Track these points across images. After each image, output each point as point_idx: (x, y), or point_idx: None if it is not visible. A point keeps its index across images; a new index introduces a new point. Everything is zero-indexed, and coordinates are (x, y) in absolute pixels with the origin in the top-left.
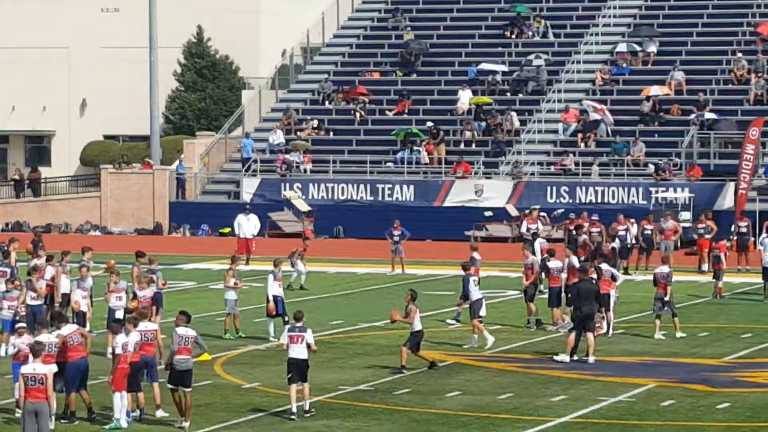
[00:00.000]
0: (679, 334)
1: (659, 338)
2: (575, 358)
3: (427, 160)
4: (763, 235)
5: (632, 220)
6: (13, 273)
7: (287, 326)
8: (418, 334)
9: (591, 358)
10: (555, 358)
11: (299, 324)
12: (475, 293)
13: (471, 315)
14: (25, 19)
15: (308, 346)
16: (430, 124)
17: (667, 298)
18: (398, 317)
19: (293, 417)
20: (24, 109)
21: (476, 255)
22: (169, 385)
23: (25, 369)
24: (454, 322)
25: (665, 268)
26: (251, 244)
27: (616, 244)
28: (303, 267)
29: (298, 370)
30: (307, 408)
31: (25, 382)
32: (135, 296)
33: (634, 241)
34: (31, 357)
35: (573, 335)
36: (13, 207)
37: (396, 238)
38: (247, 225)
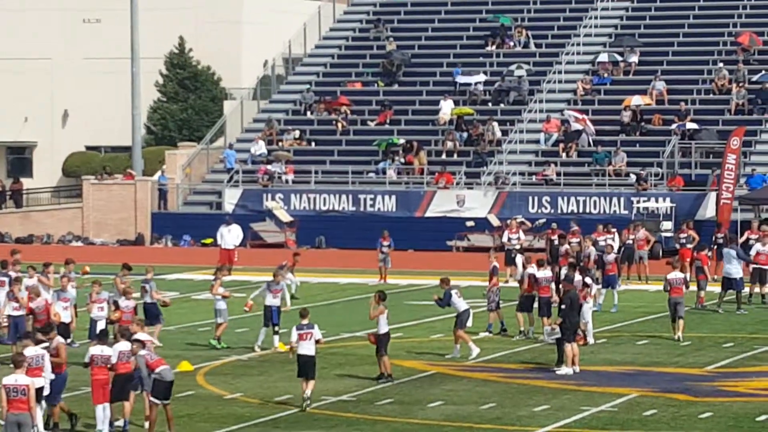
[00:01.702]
0: (679, 334)
1: (678, 337)
2: (576, 369)
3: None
4: (731, 246)
5: (614, 230)
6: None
7: (295, 325)
8: (384, 337)
9: (576, 367)
10: (558, 372)
11: (306, 321)
12: (461, 304)
13: (457, 326)
14: (6, 29)
15: (317, 341)
16: (402, 141)
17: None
18: (372, 338)
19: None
20: (5, 120)
21: (497, 264)
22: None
23: (6, 380)
24: (487, 333)
25: (679, 273)
26: (233, 254)
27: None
28: (294, 278)
29: (309, 367)
30: (308, 395)
31: (7, 394)
32: (117, 306)
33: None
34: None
35: (570, 346)
36: None
37: (384, 249)
38: (229, 236)
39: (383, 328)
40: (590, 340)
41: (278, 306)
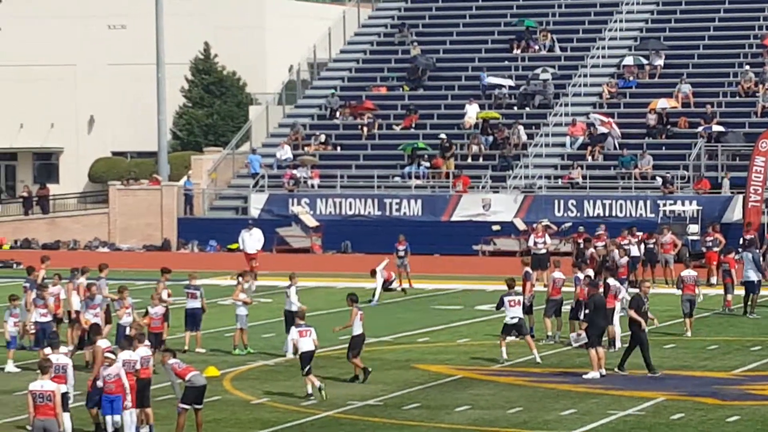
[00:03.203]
0: (688, 334)
1: (689, 335)
2: (602, 372)
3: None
4: (749, 250)
5: (638, 234)
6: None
7: (294, 325)
8: (358, 339)
9: (603, 371)
10: (584, 377)
11: (303, 322)
12: (513, 312)
13: (504, 332)
14: (32, 36)
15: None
16: (443, 136)
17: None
18: (337, 328)
19: (312, 398)
20: (32, 127)
21: (529, 270)
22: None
23: (33, 386)
24: (552, 340)
25: (692, 271)
26: (255, 259)
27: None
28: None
29: (310, 362)
30: (319, 384)
31: (34, 399)
32: (147, 313)
33: (641, 255)
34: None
35: (594, 351)
36: (21, 224)
37: (401, 254)
38: (250, 240)
39: (357, 330)
40: (617, 344)
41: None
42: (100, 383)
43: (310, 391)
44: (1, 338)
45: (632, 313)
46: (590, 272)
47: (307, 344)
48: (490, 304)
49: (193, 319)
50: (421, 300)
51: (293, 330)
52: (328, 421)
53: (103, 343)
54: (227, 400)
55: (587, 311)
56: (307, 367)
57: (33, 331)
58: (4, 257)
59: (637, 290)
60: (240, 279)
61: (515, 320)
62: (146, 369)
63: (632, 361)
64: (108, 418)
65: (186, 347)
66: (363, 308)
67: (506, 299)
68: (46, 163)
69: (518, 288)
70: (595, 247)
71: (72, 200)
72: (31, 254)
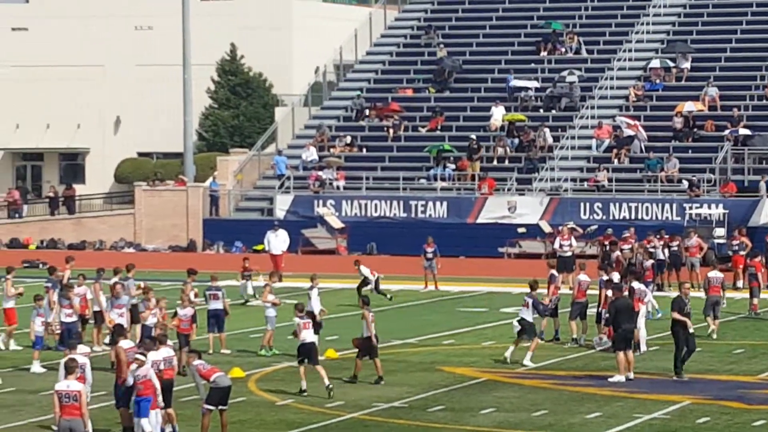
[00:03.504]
0: (714, 336)
1: (713, 334)
2: (630, 376)
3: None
4: None
5: (666, 237)
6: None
7: (295, 318)
8: (368, 341)
9: (630, 374)
10: (610, 380)
11: (302, 313)
12: (526, 314)
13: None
14: (59, 37)
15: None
16: (473, 137)
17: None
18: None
19: (305, 393)
20: (59, 127)
21: (555, 272)
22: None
23: (59, 386)
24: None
25: (718, 273)
26: (281, 260)
27: (650, 261)
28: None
29: (313, 353)
30: (327, 384)
31: (60, 399)
32: (176, 314)
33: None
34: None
35: (621, 354)
36: (47, 224)
37: (429, 256)
38: (276, 241)
39: (367, 332)
40: (643, 347)
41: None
42: (130, 380)
43: (304, 387)
44: (28, 338)
45: (676, 315)
46: (616, 275)
47: (309, 336)
48: (515, 306)
49: (216, 321)
50: (446, 302)
51: (296, 320)
52: (353, 422)
53: (125, 343)
54: (252, 401)
55: (608, 315)
56: (303, 359)
57: (58, 331)
58: (31, 257)
59: (666, 293)
60: (268, 280)
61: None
62: (169, 370)
63: (657, 364)
64: (136, 420)
65: (211, 349)
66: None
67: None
68: (73, 164)
69: (541, 291)
70: (621, 250)
71: (98, 201)
72: (57, 254)
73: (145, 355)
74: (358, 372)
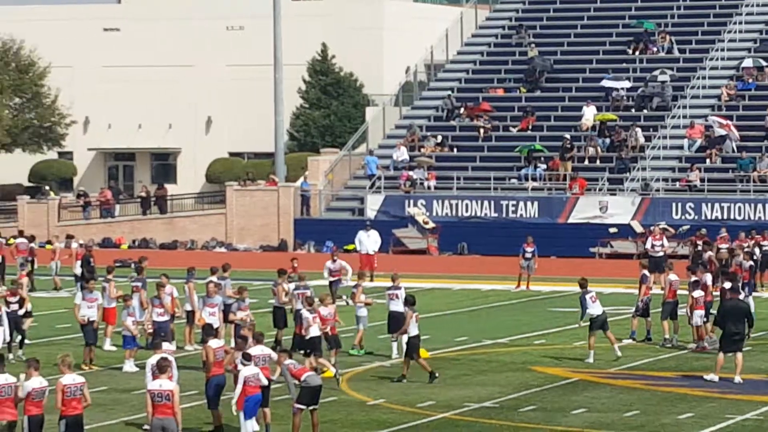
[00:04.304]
0: None
1: None
2: (737, 379)
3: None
4: None
5: (757, 237)
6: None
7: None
8: (415, 339)
9: (737, 378)
10: (705, 377)
11: (311, 307)
12: (596, 309)
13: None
14: (151, 38)
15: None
16: (567, 136)
17: None
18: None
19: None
20: (150, 127)
21: (646, 273)
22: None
23: (152, 386)
24: (630, 340)
25: None
26: (373, 260)
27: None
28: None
29: (318, 346)
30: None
31: (153, 399)
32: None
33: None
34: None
35: (722, 355)
36: (139, 224)
37: (528, 255)
38: (368, 241)
39: (413, 331)
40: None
41: (401, 312)
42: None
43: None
44: (119, 338)
45: None
46: (708, 276)
47: (314, 330)
48: (606, 306)
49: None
50: (537, 302)
51: (306, 314)
52: (444, 422)
53: (214, 342)
54: (343, 401)
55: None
56: (310, 353)
57: (150, 331)
58: (123, 257)
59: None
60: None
61: (600, 313)
62: (264, 368)
63: (752, 365)
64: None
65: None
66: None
67: (587, 297)
68: (164, 164)
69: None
70: (718, 250)
71: (189, 200)
72: (148, 254)
73: (249, 357)
74: (407, 372)
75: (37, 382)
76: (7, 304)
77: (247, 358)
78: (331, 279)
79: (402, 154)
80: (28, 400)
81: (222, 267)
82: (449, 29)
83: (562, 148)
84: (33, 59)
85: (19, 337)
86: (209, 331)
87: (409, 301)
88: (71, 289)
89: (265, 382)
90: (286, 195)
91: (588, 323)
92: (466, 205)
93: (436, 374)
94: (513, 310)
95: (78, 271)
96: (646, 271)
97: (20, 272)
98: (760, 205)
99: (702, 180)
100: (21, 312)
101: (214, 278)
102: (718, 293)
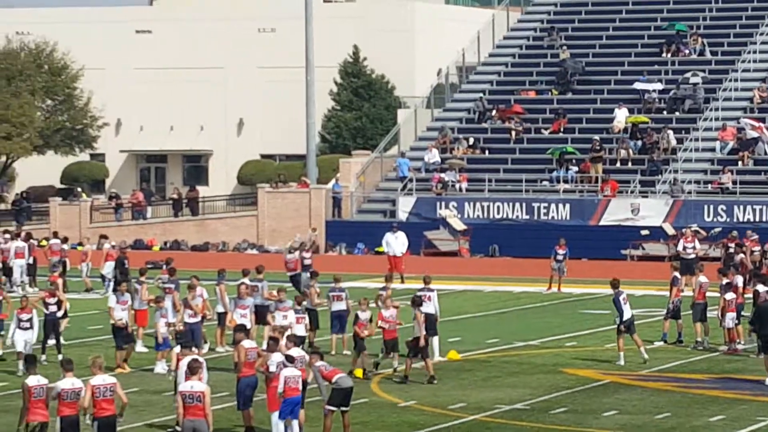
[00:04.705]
0: None
1: None
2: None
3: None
4: None
5: None
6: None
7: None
8: (417, 341)
9: None
10: (766, 382)
11: (299, 307)
12: (625, 311)
13: (629, 332)
14: (183, 39)
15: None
16: (596, 138)
17: None
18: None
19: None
20: (182, 129)
21: (677, 274)
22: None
23: (182, 387)
24: (661, 342)
25: None
26: (401, 262)
27: None
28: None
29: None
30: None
31: (184, 400)
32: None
33: None
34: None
35: (765, 357)
36: (171, 226)
37: (560, 257)
38: (395, 243)
39: (418, 332)
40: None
41: (433, 313)
42: (281, 387)
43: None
44: (153, 340)
45: None
46: (739, 279)
47: (300, 330)
48: (638, 308)
49: (339, 321)
50: (568, 304)
51: (291, 313)
52: (475, 424)
53: (247, 343)
54: (374, 402)
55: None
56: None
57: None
58: (154, 258)
59: None
60: (386, 283)
61: (629, 317)
62: (301, 369)
63: None
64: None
65: (333, 350)
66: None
67: (620, 298)
68: (196, 166)
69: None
70: (751, 252)
71: (221, 202)
72: (180, 255)
73: (292, 359)
74: (408, 372)
75: (69, 383)
76: (46, 305)
77: (290, 359)
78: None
79: (434, 156)
80: (60, 400)
81: (256, 269)
82: (481, 31)
83: (592, 151)
84: (66, 62)
85: (54, 340)
86: (242, 330)
87: (416, 302)
88: (99, 291)
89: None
90: (317, 197)
91: (616, 325)
92: (498, 207)
93: (435, 379)
94: (544, 312)
95: (106, 272)
96: (677, 273)
97: (53, 274)
98: None
99: (734, 182)
100: (59, 314)
101: (246, 280)
102: (750, 296)
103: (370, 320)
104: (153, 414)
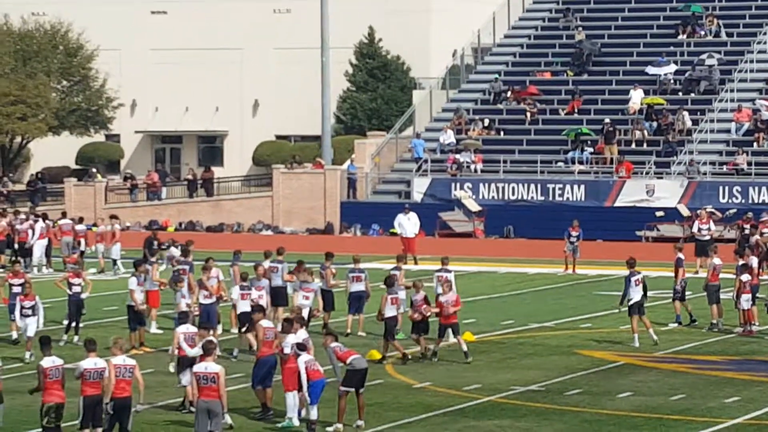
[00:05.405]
0: None
1: None
2: None
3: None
4: None
5: None
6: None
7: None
8: (391, 321)
9: None
10: None
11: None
12: (636, 293)
13: (639, 313)
14: (198, 20)
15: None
16: (607, 120)
17: None
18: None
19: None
20: (197, 110)
21: (681, 255)
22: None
23: (197, 368)
24: (675, 324)
25: None
26: (414, 243)
27: None
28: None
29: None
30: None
31: (198, 381)
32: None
33: None
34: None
35: None
36: (186, 206)
37: (573, 239)
38: (408, 224)
39: (389, 312)
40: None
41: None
42: (303, 375)
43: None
44: (169, 321)
45: None
46: (754, 260)
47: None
48: (653, 290)
49: (357, 302)
50: (583, 286)
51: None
52: (490, 405)
53: (264, 322)
54: (389, 383)
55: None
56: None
57: (197, 314)
58: (169, 239)
59: None
60: (398, 264)
61: (638, 298)
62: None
63: None
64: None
65: (348, 330)
66: None
67: (632, 279)
68: (211, 146)
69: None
70: (761, 234)
71: (236, 183)
72: (195, 236)
73: (304, 347)
74: (385, 353)
75: (91, 362)
76: (70, 286)
77: (301, 348)
78: None
79: (449, 137)
80: (82, 380)
81: (276, 251)
82: (496, 12)
83: (605, 132)
84: (81, 42)
85: (74, 322)
86: (259, 310)
87: (388, 283)
88: (110, 272)
89: (320, 368)
90: (332, 178)
91: (626, 308)
92: (513, 188)
93: (409, 357)
94: (559, 294)
95: (115, 255)
96: (681, 254)
97: (72, 254)
98: None
99: (749, 164)
100: (84, 295)
101: (266, 262)
102: (765, 277)
103: (427, 301)
104: (168, 395)
